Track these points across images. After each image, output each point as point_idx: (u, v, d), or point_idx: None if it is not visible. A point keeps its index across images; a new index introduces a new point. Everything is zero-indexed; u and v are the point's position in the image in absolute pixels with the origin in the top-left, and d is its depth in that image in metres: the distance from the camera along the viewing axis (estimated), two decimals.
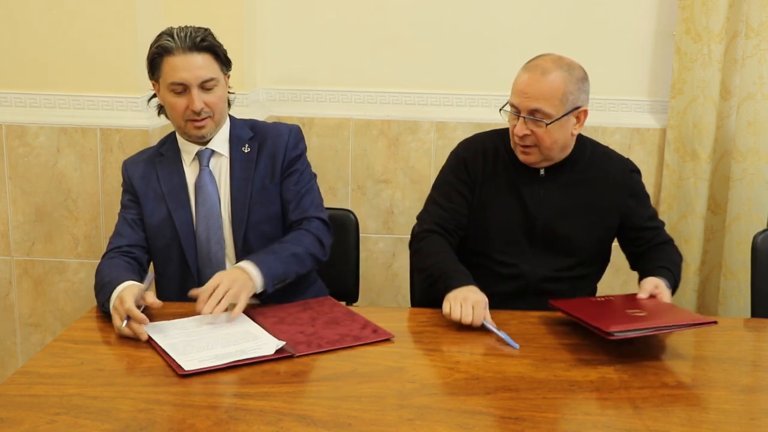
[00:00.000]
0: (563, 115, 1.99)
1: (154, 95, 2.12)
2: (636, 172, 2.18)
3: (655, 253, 2.14)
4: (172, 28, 2.03)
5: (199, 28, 2.05)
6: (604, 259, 2.22)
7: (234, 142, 2.13)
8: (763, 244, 2.26)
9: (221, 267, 2.08)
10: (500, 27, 2.98)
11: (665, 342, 1.82)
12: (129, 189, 2.14)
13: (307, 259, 2.04)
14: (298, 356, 1.67)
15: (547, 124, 1.99)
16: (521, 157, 2.08)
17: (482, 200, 2.15)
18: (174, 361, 1.63)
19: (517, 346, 1.75)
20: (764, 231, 2.29)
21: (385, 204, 3.07)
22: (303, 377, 1.59)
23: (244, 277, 1.88)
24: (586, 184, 2.11)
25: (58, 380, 1.57)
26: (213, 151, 2.11)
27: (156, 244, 2.11)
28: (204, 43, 2.01)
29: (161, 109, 2.14)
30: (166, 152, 2.14)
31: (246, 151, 2.11)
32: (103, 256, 2.06)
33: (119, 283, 1.85)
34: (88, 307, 1.96)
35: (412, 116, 3.02)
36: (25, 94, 2.69)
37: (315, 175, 2.22)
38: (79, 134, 2.67)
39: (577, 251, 2.12)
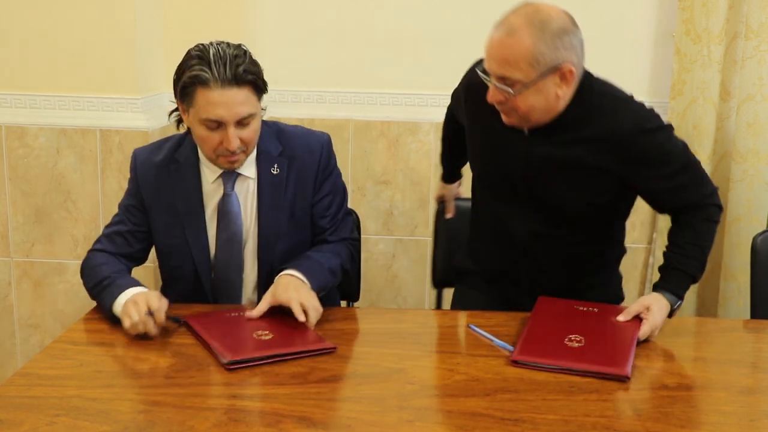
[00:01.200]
0: (535, 80, 1.76)
1: (176, 110, 1.94)
2: (648, 132, 1.85)
3: (673, 238, 1.95)
4: (206, 52, 1.81)
5: (236, 50, 1.83)
6: (608, 228, 2.04)
7: (262, 161, 1.97)
8: (762, 245, 2.25)
9: (237, 292, 2.02)
10: None
11: (664, 343, 1.82)
12: (135, 193, 2.00)
13: (340, 274, 2.03)
14: (319, 354, 1.68)
15: (514, 93, 1.78)
16: (503, 118, 1.88)
17: (474, 135, 2.06)
18: (217, 351, 1.65)
19: (511, 348, 1.72)
20: (764, 232, 2.29)
21: (384, 205, 3.07)
22: (302, 378, 1.59)
23: (304, 285, 1.87)
24: (577, 145, 1.87)
25: (58, 382, 1.57)
26: (239, 174, 1.96)
27: (166, 261, 2.04)
28: (248, 76, 1.81)
29: (181, 122, 1.97)
30: (182, 160, 1.97)
31: (275, 172, 1.97)
32: (97, 250, 1.97)
33: (130, 287, 1.82)
34: (88, 309, 1.95)
35: (412, 117, 3.02)
36: (25, 95, 2.69)
37: (345, 189, 2.14)
38: (79, 135, 2.67)
39: (567, 214, 1.95)
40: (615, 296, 2.14)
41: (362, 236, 2.56)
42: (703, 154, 2.85)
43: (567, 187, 1.92)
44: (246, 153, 1.91)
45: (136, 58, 2.63)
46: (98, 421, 1.42)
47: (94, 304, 1.93)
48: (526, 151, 1.91)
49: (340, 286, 2.32)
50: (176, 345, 1.74)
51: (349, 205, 3.05)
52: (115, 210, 2.06)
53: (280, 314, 1.82)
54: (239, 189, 1.97)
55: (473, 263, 2.17)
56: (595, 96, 1.87)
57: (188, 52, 1.86)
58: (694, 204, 1.94)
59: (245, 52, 1.86)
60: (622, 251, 2.17)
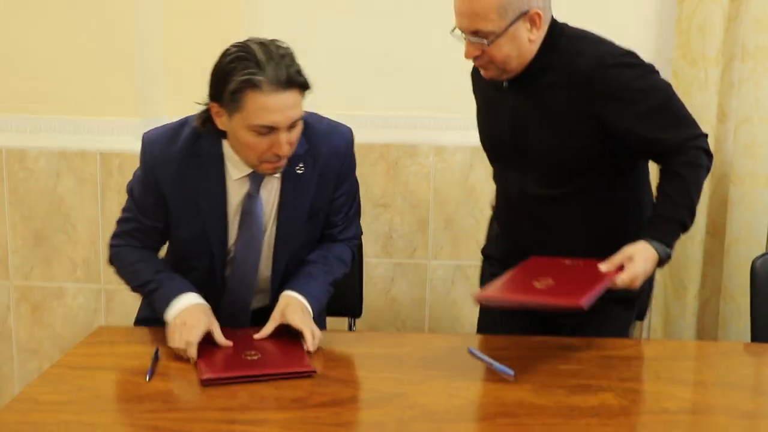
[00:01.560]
0: (506, 29, 1.82)
1: (207, 111, 1.83)
2: (610, 67, 1.87)
3: (660, 187, 1.90)
4: (251, 52, 1.73)
5: (280, 49, 1.77)
6: (612, 185, 1.98)
7: (288, 159, 1.89)
8: (762, 269, 2.25)
9: (250, 287, 2.01)
10: None
11: (665, 367, 1.81)
12: (150, 188, 1.91)
13: (340, 280, 2.06)
14: (294, 378, 1.66)
15: (488, 44, 1.84)
16: (482, 73, 1.95)
17: (477, 107, 2.13)
18: (199, 369, 1.66)
19: (511, 372, 1.71)
20: (763, 255, 2.29)
21: (383, 228, 3.07)
22: (302, 403, 1.58)
23: (310, 314, 1.89)
24: (552, 90, 1.90)
25: (56, 407, 1.56)
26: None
27: (180, 252, 2.01)
28: (299, 77, 1.76)
29: (205, 124, 1.85)
30: (204, 154, 1.87)
31: (299, 171, 1.92)
32: (122, 245, 1.95)
33: (181, 293, 1.85)
34: (86, 333, 1.95)
35: (411, 140, 3.02)
36: (25, 118, 2.70)
37: (358, 183, 2.13)
38: (79, 158, 2.68)
39: (556, 168, 1.94)
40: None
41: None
42: None
43: (548, 136, 1.92)
44: (288, 156, 1.84)
45: (136, 81, 2.64)
46: None
47: (93, 328, 1.93)
48: (507, 106, 1.97)
49: (343, 303, 2.32)
50: (175, 369, 1.73)
51: None
52: None
53: (287, 335, 1.83)
54: (264, 189, 1.92)
55: (497, 242, 2.21)
56: (563, 40, 1.91)
57: (228, 53, 1.77)
58: (675, 147, 1.88)
59: (288, 49, 1.79)
60: (640, 216, 2.04)
